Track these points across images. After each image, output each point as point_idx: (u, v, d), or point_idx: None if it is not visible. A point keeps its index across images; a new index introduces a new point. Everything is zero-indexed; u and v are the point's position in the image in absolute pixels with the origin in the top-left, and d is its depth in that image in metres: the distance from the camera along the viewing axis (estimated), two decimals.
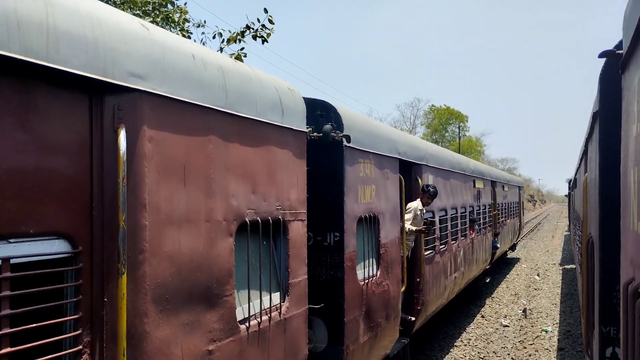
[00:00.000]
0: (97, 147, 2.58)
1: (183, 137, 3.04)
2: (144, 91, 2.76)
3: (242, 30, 10.22)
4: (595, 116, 4.03)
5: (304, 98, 4.82)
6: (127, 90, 2.68)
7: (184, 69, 3.09)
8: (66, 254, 2.44)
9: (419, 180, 8.00)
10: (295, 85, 4.75)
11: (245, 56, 10.12)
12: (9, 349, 2.15)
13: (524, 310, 13.51)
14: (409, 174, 7.83)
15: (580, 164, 9.75)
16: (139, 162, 2.72)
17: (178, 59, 3.06)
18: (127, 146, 2.59)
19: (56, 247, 2.39)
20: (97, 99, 2.60)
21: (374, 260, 6.17)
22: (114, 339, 2.56)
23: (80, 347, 2.49)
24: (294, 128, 4.38)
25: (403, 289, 7.20)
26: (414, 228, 7.55)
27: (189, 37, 10.31)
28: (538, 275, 19.53)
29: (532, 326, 12.27)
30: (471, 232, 12.31)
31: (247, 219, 3.65)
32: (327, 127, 5.16)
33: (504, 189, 19.22)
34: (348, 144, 5.32)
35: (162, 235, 2.83)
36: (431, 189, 7.87)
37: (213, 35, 10.45)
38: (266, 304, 3.92)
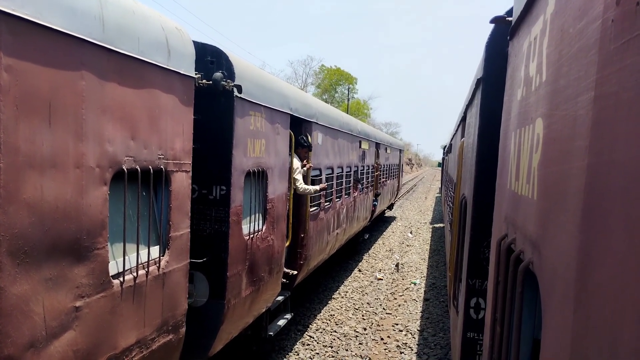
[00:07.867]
0: None
1: (50, 70, 2.67)
2: (1, 11, 2.36)
3: None
4: (478, 82, 4.25)
5: (194, 42, 4.48)
6: None
7: None
8: None
9: (309, 137, 8.02)
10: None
11: None
12: None
13: (397, 265, 14.49)
14: (299, 131, 7.81)
15: (457, 130, 10.42)
16: None
17: None
18: None
19: None
20: None
21: (261, 215, 6.11)
22: None
23: None
24: (181, 72, 4.08)
25: (287, 244, 7.27)
26: (318, 187, 7.67)
27: None
28: (411, 232, 21.00)
29: (403, 279, 13.22)
30: (354, 191, 12.76)
31: (124, 167, 3.36)
32: (218, 74, 4.89)
33: (386, 151, 20.12)
34: (239, 95, 5.11)
35: (20, 180, 2.49)
36: (303, 140, 7.77)
37: None
38: (144, 258, 3.70)
